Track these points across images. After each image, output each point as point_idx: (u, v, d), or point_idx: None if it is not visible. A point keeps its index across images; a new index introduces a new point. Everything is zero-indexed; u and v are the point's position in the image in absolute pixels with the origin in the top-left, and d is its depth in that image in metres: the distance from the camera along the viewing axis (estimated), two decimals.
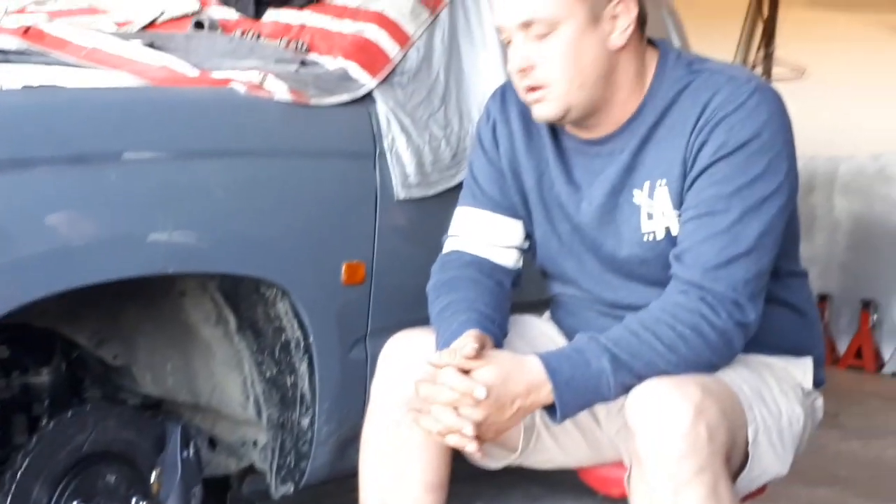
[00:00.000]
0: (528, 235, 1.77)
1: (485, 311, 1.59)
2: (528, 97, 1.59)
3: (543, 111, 1.57)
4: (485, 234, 1.73)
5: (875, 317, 5.24)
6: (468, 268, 1.69)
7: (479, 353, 1.43)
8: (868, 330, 5.22)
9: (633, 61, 1.59)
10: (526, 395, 1.42)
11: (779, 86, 5.48)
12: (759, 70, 5.56)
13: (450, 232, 1.77)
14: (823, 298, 5.35)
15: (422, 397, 1.44)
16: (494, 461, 1.67)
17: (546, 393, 1.41)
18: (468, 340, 1.46)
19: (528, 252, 1.79)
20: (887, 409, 4.45)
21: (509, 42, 1.57)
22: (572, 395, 1.42)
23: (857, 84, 5.34)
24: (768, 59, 5.63)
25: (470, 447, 1.41)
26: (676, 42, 3.18)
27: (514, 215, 1.74)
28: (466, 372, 1.41)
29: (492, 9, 1.64)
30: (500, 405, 1.40)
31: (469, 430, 1.38)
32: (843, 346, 5.34)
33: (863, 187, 5.38)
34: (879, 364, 5.22)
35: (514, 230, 1.74)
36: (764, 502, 2.75)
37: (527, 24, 1.52)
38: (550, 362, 1.42)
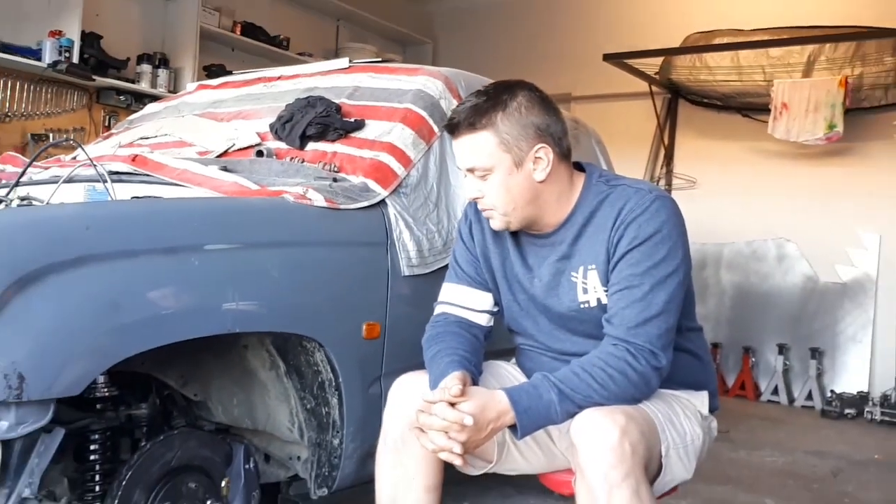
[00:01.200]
0: (497, 303, 1.79)
1: (465, 356, 1.63)
2: (483, 214, 1.69)
3: (493, 224, 1.67)
4: (464, 302, 1.77)
5: (753, 359, 5.38)
6: (452, 325, 1.73)
7: (462, 391, 1.47)
8: (749, 369, 5.35)
9: (556, 185, 1.64)
10: (496, 420, 1.47)
11: (677, 193, 5.76)
12: (662, 182, 5.69)
13: (439, 299, 1.81)
14: (716, 346, 5.48)
15: (420, 424, 1.48)
16: (476, 469, 1.70)
17: (510, 418, 1.47)
18: (454, 382, 1.50)
19: (498, 314, 1.80)
20: (765, 427, 4.48)
21: (466, 176, 1.65)
22: (529, 420, 1.48)
23: (735, 192, 5.45)
24: (669, 173, 5.71)
25: (457, 461, 1.47)
26: (603, 163, 3.24)
27: (486, 289, 1.78)
28: (453, 405, 1.46)
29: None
30: (478, 428, 1.45)
31: (457, 448, 1.44)
32: (731, 381, 5.45)
33: (740, 265, 5.54)
34: (758, 394, 5.32)
35: (485, 299, 1.78)
36: (675, 498, 2.84)
37: (471, 170, 1.62)
38: (513, 395, 1.48)
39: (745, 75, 5.22)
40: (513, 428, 1.49)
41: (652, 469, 1.51)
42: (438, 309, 1.81)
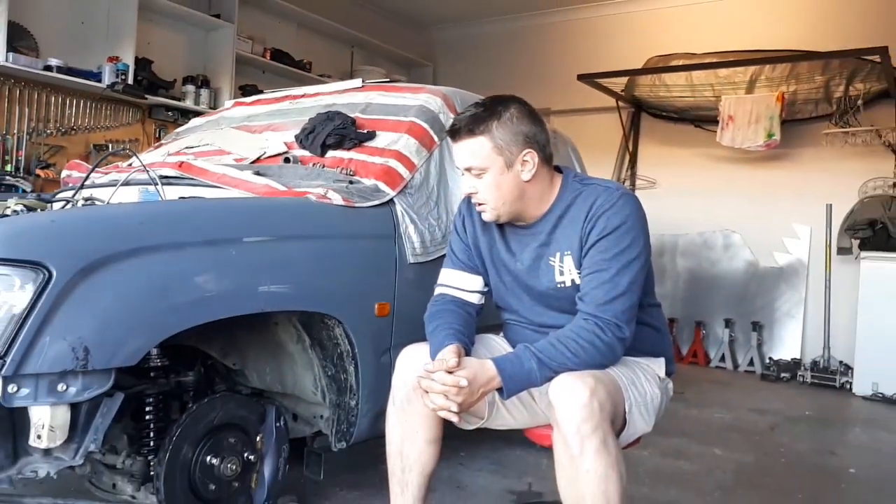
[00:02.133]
0: (486, 284, 1.79)
1: (460, 330, 1.64)
2: (476, 208, 1.69)
3: (485, 216, 1.67)
4: (459, 284, 1.78)
5: (704, 331, 5.40)
6: (449, 304, 1.74)
7: (458, 363, 1.49)
8: (700, 339, 5.38)
9: (539, 184, 1.64)
10: (486, 385, 1.48)
11: (640, 192, 5.79)
12: (627, 183, 5.70)
13: (438, 282, 1.81)
14: (672, 320, 5.49)
15: (423, 387, 1.50)
16: (470, 425, 1.71)
17: (497, 382, 1.49)
18: (451, 354, 1.51)
19: (487, 294, 1.80)
20: (713, 389, 4.51)
21: (464, 174, 1.66)
22: (513, 384, 1.50)
23: (689, 191, 5.46)
24: (633, 175, 5.72)
25: (454, 419, 1.49)
26: (577, 167, 3.25)
27: (477, 272, 1.78)
28: (450, 373, 1.47)
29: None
30: (471, 391, 1.46)
31: (454, 407, 1.45)
32: (685, 350, 5.45)
33: (693, 252, 5.55)
34: (707, 361, 5.34)
35: (476, 281, 1.78)
36: (639, 448, 2.86)
37: (469, 169, 1.61)
38: (499, 364, 1.50)
39: (698, 92, 5.23)
40: (500, 391, 1.51)
41: (617, 423, 1.52)
42: (437, 290, 1.81)
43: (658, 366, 1.75)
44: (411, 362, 1.64)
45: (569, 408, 1.41)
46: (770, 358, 5.14)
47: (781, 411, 4.03)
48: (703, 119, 5.46)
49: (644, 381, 1.65)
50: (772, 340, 5.26)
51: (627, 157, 5.88)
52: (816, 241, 5.12)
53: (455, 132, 1.62)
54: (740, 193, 5.36)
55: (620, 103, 5.73)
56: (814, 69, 4.82)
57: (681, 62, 5.22)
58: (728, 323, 5.31)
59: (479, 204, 1.65)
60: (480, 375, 1.48)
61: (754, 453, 3.17)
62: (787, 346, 5.18)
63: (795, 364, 4.98)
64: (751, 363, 5.19)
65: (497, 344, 1.81)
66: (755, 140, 4.93)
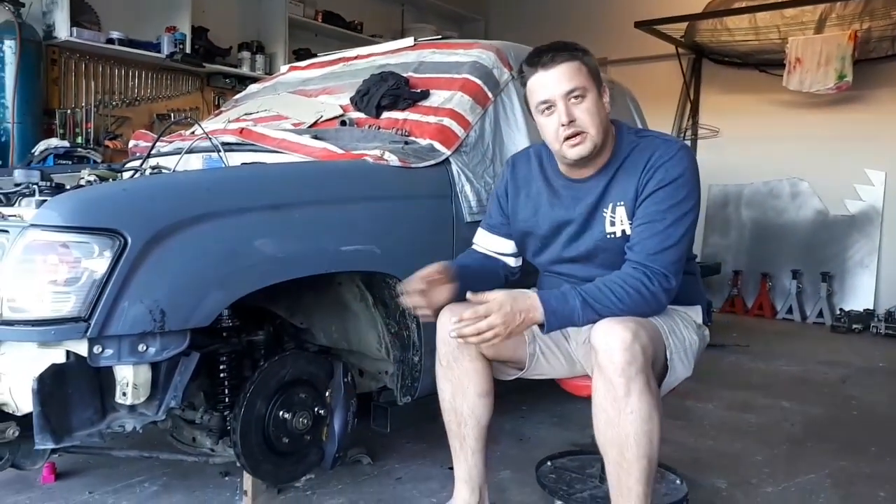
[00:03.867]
0: (518, 251, 1.81)
1: (462, 262, 1.69)
2: (568, 143, 1.57)
3: (581, 150, 1.57)
4: (490, 246, 1.83)
5: (770, 283, 5.27)
6: (472, 252, 1.84)
7: (436, 274, 1.57)
8: (766, 291, 5.25)
9: (609, 127, 1.64)
10: (527, 312, 1.47)
11: (701, 142, 5.60)
12: (689, 132, 5.55)
13: (474, 240, 1.86)
14: (737, 273, 5.37)
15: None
16: (508, 376, 1.76)
17: (539, 314, 1.48)
18: (440, 265, 1.58)
19: (518, 258, 1.83)
20: (780, 341, 4.40)
21: (551, 111, 1.57)
22: (555, 318, 1.49)
23: (753, 139, 5.28)
24: (695, 125, 5.56)
25: (496, 341, 1.47)
26: (637, 118, 3.15)
27: (507, 237, 1.80)
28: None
29: (536, 92, 1.58)
30: (512, 315, 1.45)
31: (495, 331, 1.45)
32: (750, 302, 5.33)
33: (758, 202, 5.38)
34: (774, 313, 5.21)
35: (508, 245, 1.82)
36: (703, 401, 2.85)
37: (570, 93, 1.54)
38: (543, 297, 1.50)
39: (762, 35, 5.01)
40: (541, 326, 1.51)
41: (657, 369, 1.52)
42: (472, 247, 1.86)
43: (695, 313, 1.76)
44: (452, 320, 1.62)
45: (612, 350, 1.41)
46: (841, 309, 4.98)
47: (853, 363, 3.92)
48: (768, 63, 5.24)
49: (682, 327, 1.65)
50: (842, 291, 5.09)
51: (688, 106, 5.71)
52: (892, 186, 4.91)
53: (548, 59, 1.56)
54: (808, 139, 5.15)
55: (680, 50, 5.54)
56: (890, 4, 4.56)
57: (744, 4, 5.01)
58: (795, 274, 5.15)
59: (577, 134, 1.56)
60: (520, 300, 1.48)
61: (824, 406, 3.10)
62: (859, 296, 5.01)
63: (868, 315, 4.82)
64: (820, 315, 5.04)
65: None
66: (825, 82, 4.72)
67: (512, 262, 1.83)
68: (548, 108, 1.58)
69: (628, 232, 1.61)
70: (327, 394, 1.95)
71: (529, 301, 1.49)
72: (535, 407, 2.87)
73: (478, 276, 1.72)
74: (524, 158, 1.81)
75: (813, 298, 5.12)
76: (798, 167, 5.24)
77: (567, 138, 1.57)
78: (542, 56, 1.58)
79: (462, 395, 1.68)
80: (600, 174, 1.66)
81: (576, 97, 1.55)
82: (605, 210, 1.64)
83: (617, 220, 1.62)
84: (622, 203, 1.62)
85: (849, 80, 4.65)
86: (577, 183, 1.69)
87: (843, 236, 5.10)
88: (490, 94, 2.32)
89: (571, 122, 1.55)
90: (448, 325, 1.60)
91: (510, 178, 1.81)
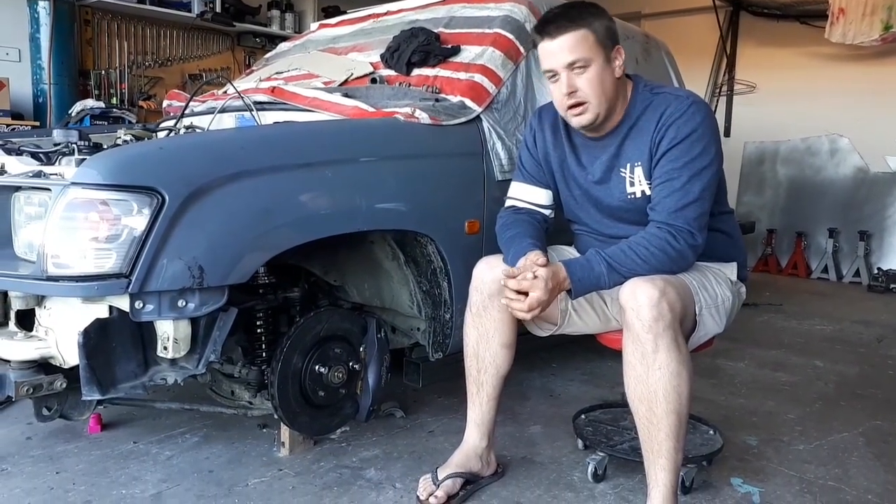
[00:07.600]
0: (555, 198, 1.81)
1: (534, 237, 1.66)
2: (571, 112, 1.60)
3: (583, 119, 1.61)
4: (528, 197, 1.80)
5: (805, 242, 5.18)
6: (522, 214, 1.77)
7: (545, 263, 1.54)
8: (801, 250, 5.17)
9: (623, 87, 1.63)
10: (557, 285, 1.51)
11: (737, 98, 5.47)
12: (724, 87, 5.42)
13: (508, 195, 1.84)
14: (771, 232, 5.29)
15: (510, 288, 1.52)
16: (543, 332, 1.80)
17: (567, 283, 1.52)
18: (540, 256, 1.56)
19: (556, 208, 1.82)
20: (813, 301, 4.35)
21: (556, 79, 1.60)
22: (581, 286, 1.53)
23: (791, 94, 5.14)
24: (731, 79, 5.42)
25: (526, 316, 1.52)
26: (672, 73, 3.06)
27: (545, 186, 1.80)
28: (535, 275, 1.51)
29: (543, 60, 1.61)
30: (548, 289, 1.49)
31: (542, 307, 1.50)
32: (784, 261, 5.26)
33: (795, 159, 5.25)
34: (808, 272, 5.15)
35: (545, 195, 1.80)
36: (735, 360, 2.83)
37: (572, 64, 1.56)
38: (569, 266, 1.53)
39: None
40: (569, 291, 1.55)
41: (687, 326, 1.53)
42: (507, 203, 1.84)
43: (729, 270, 1.75)
44: (487, 272, 1.69)
45: (639, 308, 1.43)
46: (879, 268, 4.87)
47: (890, 323, 3.86)
48: (809, 14, 5.07)
49: (714, 283, 1.65)
50: (881, 250, 4.97)
51: (725, 61, 5.56)
52: None
53: (553, 29, 1.57)
54: (850, 94, 4.98)
55: (717, 2, 5.36)
56: None
57: None
58: (832, 233, 5.06)
59: (579, 104, 1.59)
60: (552, 277, 1.52)
61: (859, 365, 3.07)
62: None
63: None
64: (856, 274, 4.95)
65: (569, 254, 1.83)
66: (870, 34, 4.54)
67: (549, 213, 1.82)
68: (552, 77, 1.61)
69: (648, 192, 1.61)
70: (361, 349, 1.99)
71: (560, 274, 1.53)
72: (565, 365, 2.88)
73: (545, 244, 1.72)
74: (550, 111, 1.79)
75: (850, 258, 5.02)
76: (838, 123, 5.08)
77: (570, 107, 1.60)
78: (549, 25, 1.58)
79: (486, 343, 1.71)
80: (613, 134, 1.66)
81: (579, 67, 1.56)
82: (622, 170, 1.65)
83: (636, 181, 1.63)
84: (639, 163, 1.62)
85: (895, 31, 4.47)
86: (593, 141, 1.70)
87: (884, 194, 4.97)
88: (522, 49, 2.28)
89: (572, 92, 1.58)
90: (487, 277, 1.67)
91: (538, 127, 1.81)
